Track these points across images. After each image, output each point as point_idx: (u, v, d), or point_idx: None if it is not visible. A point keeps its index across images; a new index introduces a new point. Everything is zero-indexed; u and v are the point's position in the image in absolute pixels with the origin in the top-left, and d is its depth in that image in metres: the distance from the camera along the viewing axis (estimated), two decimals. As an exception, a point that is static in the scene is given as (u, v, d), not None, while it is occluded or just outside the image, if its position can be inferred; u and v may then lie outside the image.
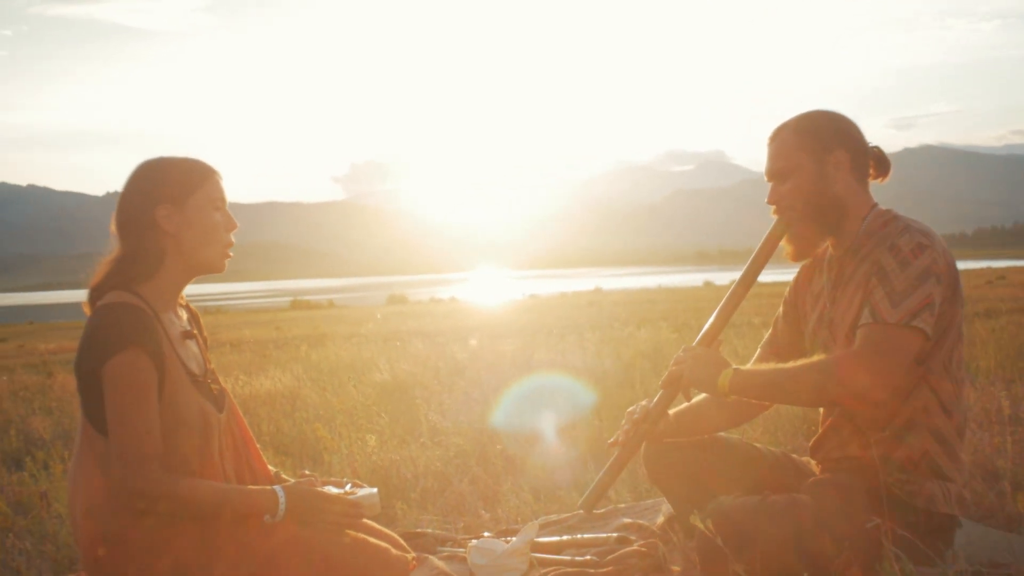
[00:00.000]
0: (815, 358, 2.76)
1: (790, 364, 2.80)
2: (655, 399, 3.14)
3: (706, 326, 3.08)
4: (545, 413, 5.78)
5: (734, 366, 2.89)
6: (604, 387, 6.57)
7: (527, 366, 8.19)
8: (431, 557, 3.31)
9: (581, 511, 3.13)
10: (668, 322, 12.87)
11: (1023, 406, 4.28)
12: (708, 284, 54.39)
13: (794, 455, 3.32)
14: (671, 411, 3.26)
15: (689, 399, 3.09)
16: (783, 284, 3.51)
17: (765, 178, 3.02)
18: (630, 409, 3.20)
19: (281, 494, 2.84)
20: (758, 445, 3.33)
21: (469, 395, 6.54)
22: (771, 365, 2.89)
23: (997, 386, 5.11)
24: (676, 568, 3.09)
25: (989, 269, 53.01)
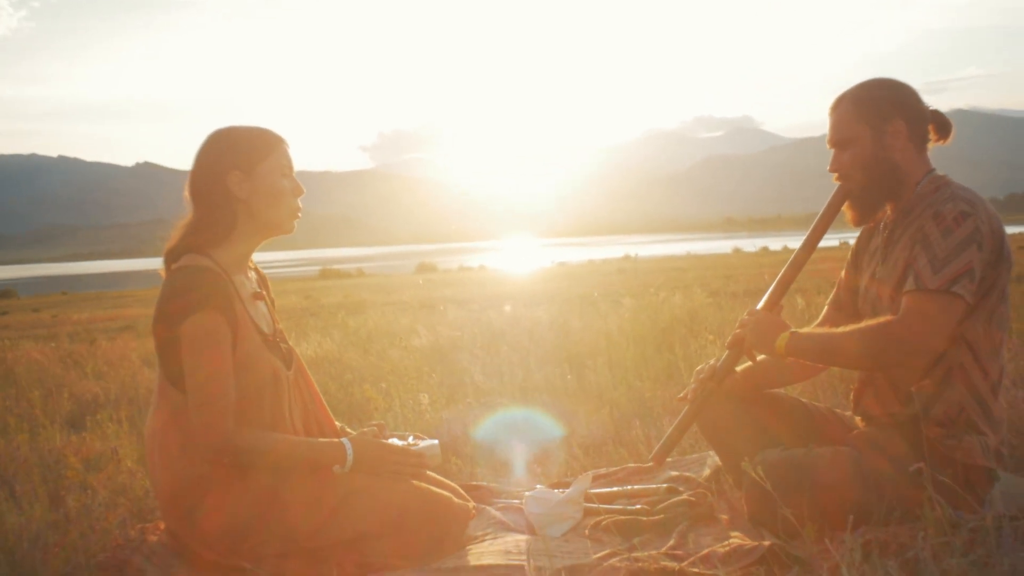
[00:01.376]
0: (864, 323, 2.90)
1: (841, 329, 2.94)
2: (721, 359, 3.28)
3: (768, 291, 3.21)
4: (586, 374, 5.93)
5: (792, 329, 3.03)
6: (642, 350, 6.69)
7: (564, 331, 8.32)
8: (488, 508, 3.46)
9: (651, 463, 3.31)
10: (702, 288, 12.95)
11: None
12: (737, 251, 54.27)
13: (838, 410, 3.45)
14: (739, 369, 3.41)
15: (754, 360, 3.24)
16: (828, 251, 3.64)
17: (827, 146, 3.14)
18: (698, 368, 3.36)
19: (349, 446, 2.99)
20: (804, 400, 3.47)
21: (511, 358, 6.69)
22: (824, 330, 3.03)
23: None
24: (724, 517, 3.22)
25: (1021, 234, 52.67)
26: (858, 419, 3.26)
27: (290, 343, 3.22)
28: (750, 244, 63.70)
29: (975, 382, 2.94)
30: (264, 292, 3.18)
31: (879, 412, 3.10)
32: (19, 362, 9.01)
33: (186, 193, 3.03)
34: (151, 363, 8.85)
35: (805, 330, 3.06)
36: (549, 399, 5.41)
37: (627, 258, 48.57)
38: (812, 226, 3.24)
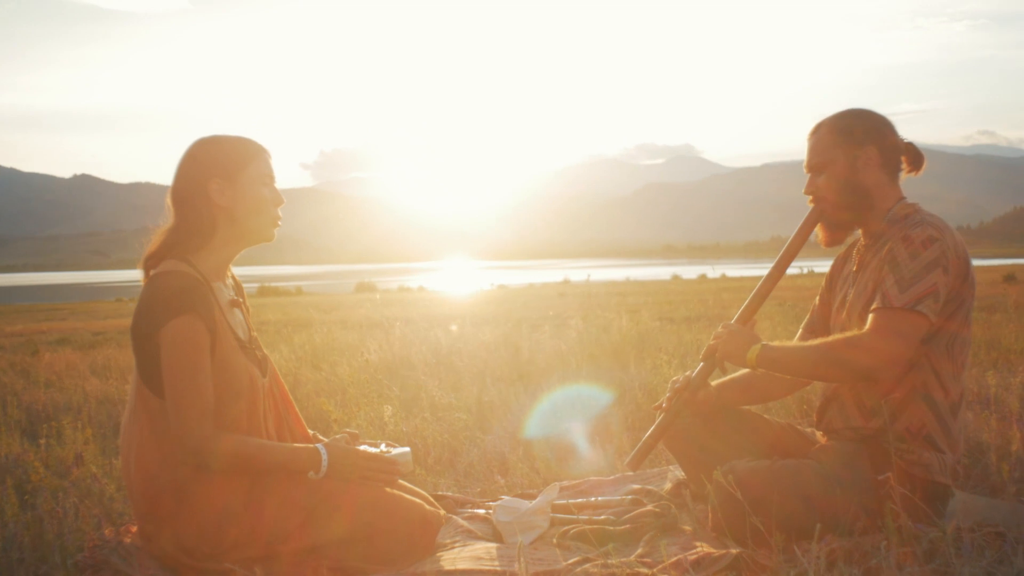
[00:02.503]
0: (832, 337, 3.04)
1: (811, 343, 3.07)
2: (696, 370, 3.41)
3: (743, 305, 3.33)
4: (541, 391, 6.01)
5: (763, 342, 3.15)
6: (595, 369, 6.78)
7: (515, 349, 8.38)
8: (455, 517, 3.51)
9: (628, 468, 3.42)
10: (647, 312, 13.09)
11: (1014, 390, 4.55)
12: (676, 278, 54.65)
13: (798, 427, 3.57)
14: (714, 383, 3.52)
15: (725, 372, 3.37)
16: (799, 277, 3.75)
17: (804, 170, 3.29)
18: (673, 379, 3.47)
19: (324, 452, 3.04)
20: (766, 416, 3.58)
21: (465, 375, 6.74)
22: (794, 343, 3.17)
23: (982, 368, 5.38)
24: (687, 528, 3.31)
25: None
26: (819, 434, 3.37)
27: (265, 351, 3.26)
28: (689, 271, 64.23)
29: (937, 401, 3.06)
30: (240, 300, 3.21)
31: (842, 426, 3.21)
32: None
33: (168, 200, 3.06)
34: (99, 373, 8.79)
35: (776, 343, 3.17)
36: (504, 414, 5.47)
37: (567, 282, 48.71)
38: (785, 245, 3.36)
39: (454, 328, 12.51)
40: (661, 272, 72.60)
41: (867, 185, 3.17)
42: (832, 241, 3.29)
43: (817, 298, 3.51)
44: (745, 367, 3.18)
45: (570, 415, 5.12)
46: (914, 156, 3.25)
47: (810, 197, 3.28)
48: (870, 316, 2.96)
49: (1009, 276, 29.24)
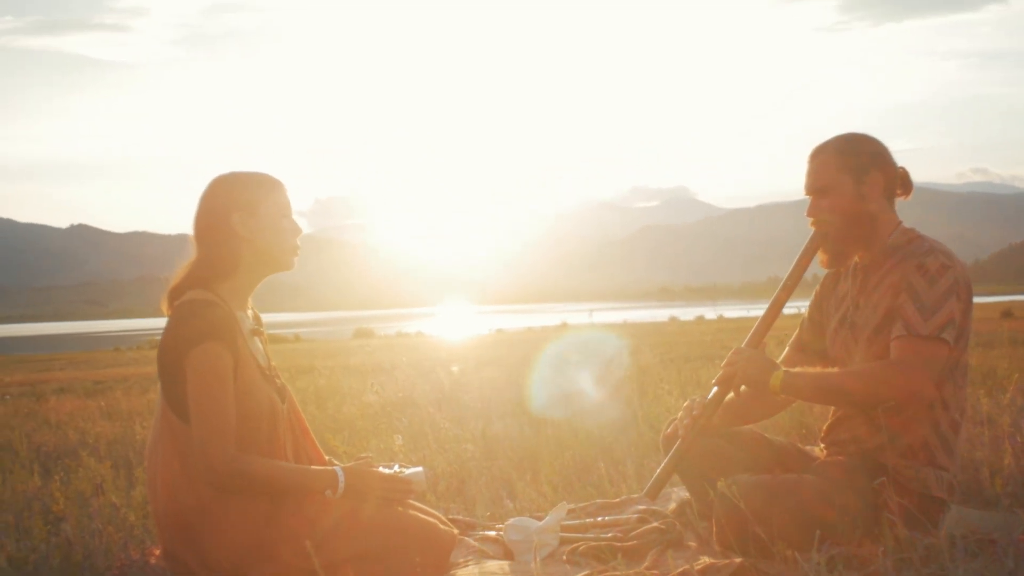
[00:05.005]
0: (861, 366, 3.14)
1: (837, 370, 3.16)
2: (710, 395, 3.43)
3: (753, 329, 3.41)
4: (545, 420, 6.13)
5: (784, 368, 3.22)
6: (597, 404, 6.90)
7: (518, 386, 8.50)
8: (466, 538, 3.63)
9: (646, 497, 3.43)
10: (648, 352, 13.21)
11: (1004, 409, 4.69)
12: (673, 319, 54.66)
13: (799, 444, 3.68)
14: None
15: (739, 394, 3.40)
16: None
17: (805, 192, 3.35)
18: (686, 404, 3.50)
19: (340, 473, 3.16)
20: (767, 435, 3.69)
21: (470, 410, 6.86)
22: (817, 370, 3.22)
23: (983, 393, 5.53)
24: (692, 543, 3.42)
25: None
26: (819, 450, 3.48)
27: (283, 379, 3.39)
28: (686, 313, 64.20)
29: (939, 420, 3.18)
30: (260, 329, 3.34)
31: (848, 438, 3.31)
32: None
33: (191, 234, 3.21)
34: (108, 416, 8.90)
35: (797, 369, 3.24)
36: (510, 445, 5.59)
37: (564, 325, 48.74)
38: (791, 269, 3.43)
39: (455, 369, 12.63)
40: (658, 314, 72.62)
41: (872, 210, 3.25)
42: (833, 264, 3.37)
43: (806, 315, 3.60)
44: (766, 393, 3.23)
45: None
46: (906, 181, 3.36)
47: (811, 220, 3.35)
48: (895, 343, 3.05)
49: (1007, 312, 29.38)
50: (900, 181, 3.35)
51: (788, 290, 3.44)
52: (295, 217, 3.28)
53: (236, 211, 3.15)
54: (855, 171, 3.25)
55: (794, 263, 3.42)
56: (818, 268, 3.48)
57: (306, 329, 77.50)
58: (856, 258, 3.38)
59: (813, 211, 3.34)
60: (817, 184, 3.31)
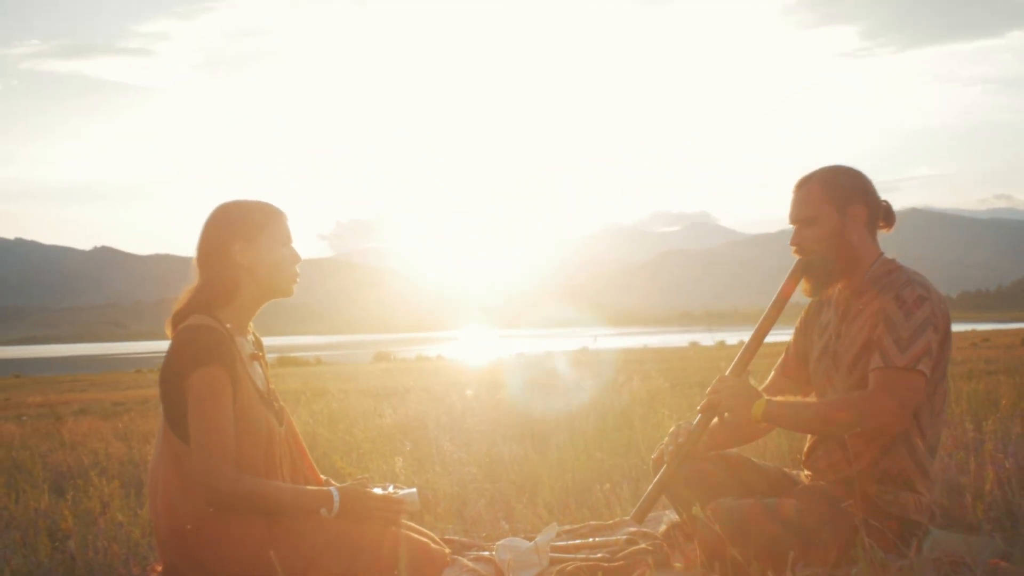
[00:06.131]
0: (838, 397, 3.23)
1: (813, 401, 3.27)
2: (695, 421, 3.55)
3: (737, 356, 3.52)
4: (549, 443, 6.22)
5: (766, 397, 3.32)
6: (603, 425, 6.99)
7: (527, 409, 8.59)
8: (460, 558, 3.71)
9: (632, 520, 3.54)
10: (661, 377, 13.28)
11: (986, 436, 4.76)
12: (694, 345, 54.59)
13: (786, 469, 3.76)
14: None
15: (723, 420, 3.53)
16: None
17: (789, 221, 3.46)
18: (672, 430, 3.62)
19: (335, 493, 3.26)
20: (754, 459, 3.77)
21: (476, 433, 6.96)
22: (798, 399, 3.33)
23: (967, 420, 5.58)
24: (678, 564, 3.50)
25: (974, 332, 53.58)
26: (804, 475, 3.57)
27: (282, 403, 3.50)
28: (707, 338, 64.04)
29: (915, 446, 3.26)
30: (260, 354, 3.46)
31: (825, 466, 3.41)
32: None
33: (193, 261, 3.33)
34: (122, 438, 9.02)
35: (779, 398, 3.34)
36: (513, 467, 5.68)
37: (584, 350, 48.70)
38: (775, 297, 3.53)
39: (469, 393, 12.72)
40: (678, 339, 72.52)
41: (853, 241, 3.35)
42: (815, 292, 3.47)
43: (791, 341, 3.70)
44: (749, 421, 3.32)
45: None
46: (888, 214, 3.46)
47: (794, 248, 3.45)
48: (873, 375, 3.15)
49: (1029, 339, 29.27)
50: (883, 214, 3.44)
51: (771, 319, 3.54)
52: (295, 246, 3.40)
53: (237, 240, 3.28)
54: (838, 202, 3.36)
55: (778, 292, 3.52)
56: (802, 296, 3.57)
57: (327, 352, 77.82)
58: (838, 288, 3.47)
59: (797, 240, 3.44)
60: (802, 214, 3.42)
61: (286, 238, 3.37)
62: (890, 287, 3.27)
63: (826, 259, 3.38)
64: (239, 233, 3.29)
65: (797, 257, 3.47)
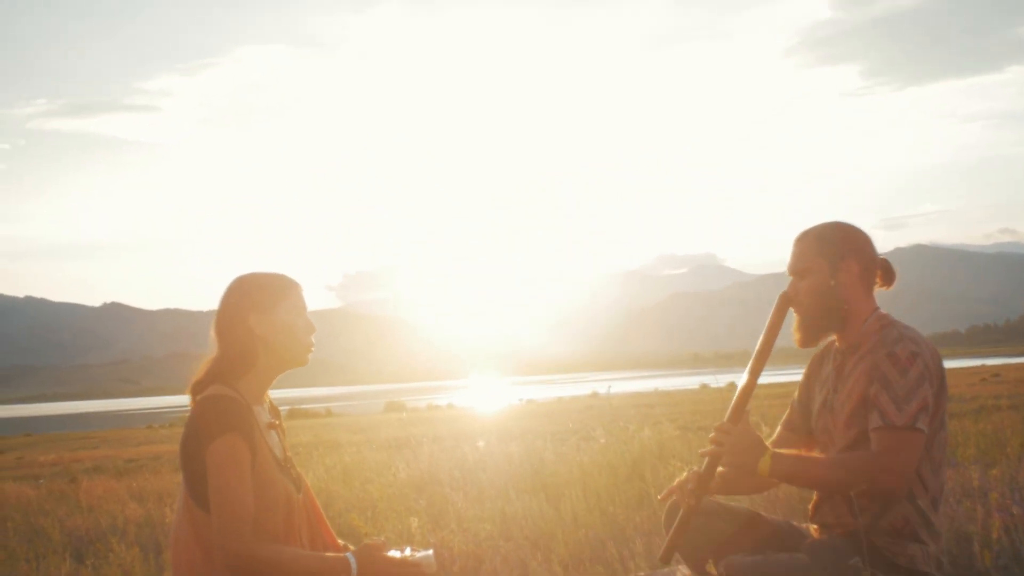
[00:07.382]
0: (845, 456, 3.29)
1: (820, 458, 3.32)
2: (703, 466, 3.53)
3: (732, 403, 3.54)
4: (563, 497, 6.27)
5: (771, 450, 3.35)
6: (615, 479, 7.03)
7: (540, 462, 8.63)
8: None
9: (660, 563, 3.58)
10: (671, 423, 13.30)
11: (993, 483, 4.81)
12: (704, 387, 54.44)
13: (794, 522, 3.81)
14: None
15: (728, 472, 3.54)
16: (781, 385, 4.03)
17: (787, 272, 3.55)
18: (681, 477, 3.62)
19: (352, 560, 3.31)
20: (763, 513, 3.82)
21: (490, 488, 7.01)
22: (804, 456, 3.38)
23: (974, 467, 5.63)
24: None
25: (983, 367, 53.38)
26: (813, 528, 3.62)
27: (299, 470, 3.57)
28: (717, 380, 63.82)
29: (918, 499, 3.31)
30: (277, 422, 3.53)
31: (833, 521, 3.46)
32: (7, 501, 9.20)
33: (212, 332, 3.41)
34: (137, 498, 9.08)
35: (784, 453, 3.37)
36: (528, 523, 5.73)
37: (595, 395, 48.68)
38: (762, 336, 3.55)
39: (481, 444, 12.74)
40: (689, 382, 72.32)
41: (845, 295, 3.43)
42: (806, 343, 3.52)
43: (796, 395, 3.75)
44: (754, 476, 3.34)
45: None
46: (887, 271, 3.54)
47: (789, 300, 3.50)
48: (874, 435, 3.21)
49: (1036, 375, 29.20)
50: (881, 271, 3.51)
51: (762, 360, 3.56)
52: (309, 314, 3.48)
53: (253, 312, 3.36)
54: (831, 257, 3.44)
55: (763, 333, 3.54)
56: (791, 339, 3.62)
57: (338, 403, 77.70)
58: (836, 342, 3.54)
59: (791, 291, 3.52)
60: (797, 266, 3.51)
61: (301, 309, 3.45)
62: (882, 344, 3.33)
63: (815, 311, 3.45)
64: (256, 305, 3.37)
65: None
